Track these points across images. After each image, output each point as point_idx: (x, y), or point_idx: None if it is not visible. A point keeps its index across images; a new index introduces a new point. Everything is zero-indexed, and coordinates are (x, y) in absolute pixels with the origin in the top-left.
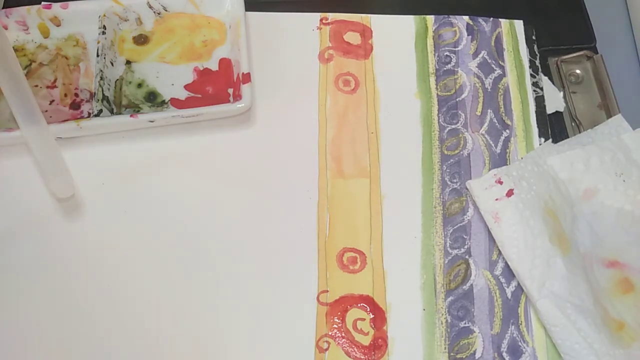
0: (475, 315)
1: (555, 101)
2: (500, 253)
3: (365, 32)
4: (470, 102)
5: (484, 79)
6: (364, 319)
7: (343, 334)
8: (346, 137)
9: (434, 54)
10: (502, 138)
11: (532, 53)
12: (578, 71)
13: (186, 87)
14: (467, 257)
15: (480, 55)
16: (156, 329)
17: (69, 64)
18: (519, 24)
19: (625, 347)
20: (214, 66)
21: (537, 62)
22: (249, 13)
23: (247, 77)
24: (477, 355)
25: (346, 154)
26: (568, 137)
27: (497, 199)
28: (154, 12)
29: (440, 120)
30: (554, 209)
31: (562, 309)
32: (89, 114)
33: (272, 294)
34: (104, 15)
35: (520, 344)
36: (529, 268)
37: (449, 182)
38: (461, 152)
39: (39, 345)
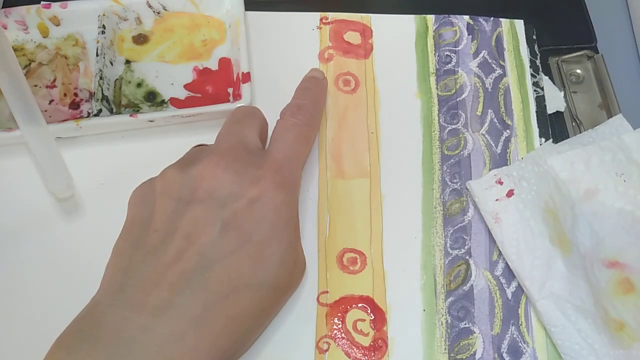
0: (475, 315)
1: (555, 101)
2: (500, 253)
3: (366, 32)
4: (471, 102)
5: (484, 79)
6: (364, 320)
7: (343, 335)
8: (346, 137)
9: (434, 54)
10: (503, 138)
11: (532, 53)
12: (579, 71)
13: (186, 86)
14: (467, 257)
15: (481, 55)
16: None
17: (69, 64)
18: (519, 24)
19: (626, 348)
20: (213, 66)
21: (538, 61)
22: (249, 12)
23: (246, 77)
24: (477, 355)
25: (346, 154)
26: (569, 137)
27: (497, 200)
28: (154, 11)
29: (441, 120)
30: (554, 209)
31: (562, 310)
32: (89, 113)
33: None
34: (104, 15)
35: (520, 344)
36: (529, 268)
37: (449, 182)
38: (461, 152)
39: (38, 345)
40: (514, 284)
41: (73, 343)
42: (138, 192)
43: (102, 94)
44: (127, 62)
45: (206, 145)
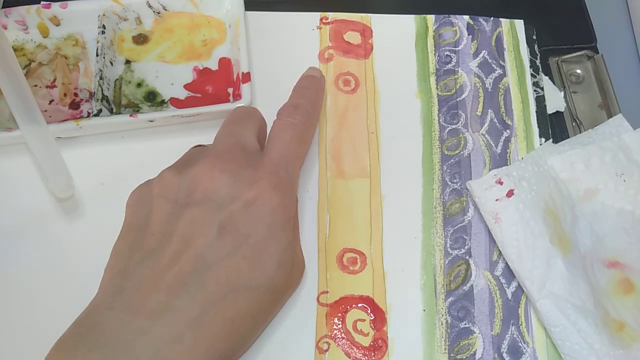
0: (475, 316)
1: (555, 101)
2: (500, 253)
3: (366, 32)
4: (471, 102)
5: (484, 79)
6: (364, 320)
7: (343, 335)
8: (346, 137)
9: (434, 54)
10: (503, 138)
11: (532, 53)
12: (579, 71)
13: (186, 86)
14: (467, 257)
15: (481, 55)
16: None
17: (69, 64)
18: (519, 24)
19: (626, 348)
20: (213, 66)
21: (538, 61)
22: (249, 12)
23: (246, 77)
24: (477, 355)
25: (346, 154)
26: (569, 137)
27: (497, 200)
28: (154, 11)
29: (441, 120)
30: (554, 210)
31: (562, 310)
32: (89, 113)
33: None
34: (104, 15)
35: (520, 344)
36: (529, 269)
37: (449, 182)
38: (461, 152)
39: (38, 346)
40: (514, 284)
41: (71, 346)
42: (135, 194)
43: (102, 94)
44: (127, 62)
45: (204, 145)
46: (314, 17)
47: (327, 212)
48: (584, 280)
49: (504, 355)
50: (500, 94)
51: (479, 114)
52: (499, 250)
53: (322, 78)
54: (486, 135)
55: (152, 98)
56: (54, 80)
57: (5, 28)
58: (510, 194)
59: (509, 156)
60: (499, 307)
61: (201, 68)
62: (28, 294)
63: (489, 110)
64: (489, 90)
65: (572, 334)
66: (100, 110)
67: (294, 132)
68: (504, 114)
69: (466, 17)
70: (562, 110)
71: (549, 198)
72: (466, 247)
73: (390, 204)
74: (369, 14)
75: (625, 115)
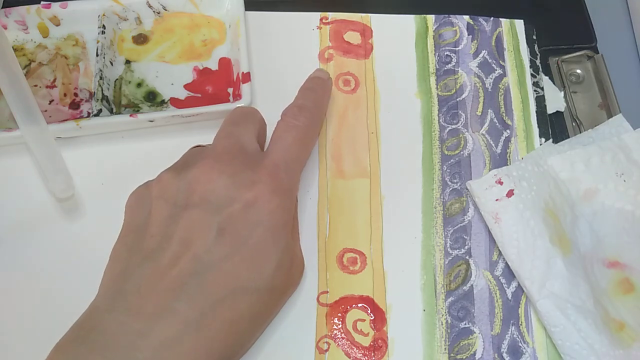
0: (475, 316)
1: (555, 101)
2: (500, 253)
3: (366, 32)
4: (471, 102)
5: (484, 79)
6: (364, 320)
7: (343, 335)
8: (346, 137)
9: (434, 54)
10: (503, 138)
11: (532, 53)
12: (579, 71)
13: (186, 86)
14: (467, 257)
15: (481, 55)
16: None
17: (69, 64)
18: (519, 24)
19: (626, 348)
20: (213, 66)
21: (538, 61)
22: (249, 12)
23: (246, 77)
24: (477, 355)
25: (346, 154)
26: (569, 137)
27: (497, 200)
28: (154, 11)
29: (441, 120)
30: (554, 209)
31: (562, 310)
32: (89, 113)
33: None
34: (104, 15)
35: (520, 344)
36: (529, 269)
37: (449, 182)
38: (461, 152)
39: (38, 346)
40: (514, 284)
41: (71, 348)
42: (134, 196)
43: (102, 94)
44: (127, 62)
45: (203, 146)
46: (314, 17)
47: (327, 212)
48: (584, 280)
49: (504, 355)
50: (500, 94)
51: (479, 114)
52: (499, 250)
53: (329, 80)
54: (486, 135)
55: (152, 98)
56: (54, 80)
57: (5, 28)
58: (510, 194)
59: (509, 156)
60: (499, 307)
61: (201, 68)
62: (27, 295)
63: (489, 110)
64: (489, 90)
65: (572, 334)
66: (100, 110)
67: (296, 134)
68: (504, 114)
69: (466, 17)
70: (562, 110)
71: (549, 198)
72: (466, 247)
73: (390, 204)
74: (369, 14)
75: (625, 115)
